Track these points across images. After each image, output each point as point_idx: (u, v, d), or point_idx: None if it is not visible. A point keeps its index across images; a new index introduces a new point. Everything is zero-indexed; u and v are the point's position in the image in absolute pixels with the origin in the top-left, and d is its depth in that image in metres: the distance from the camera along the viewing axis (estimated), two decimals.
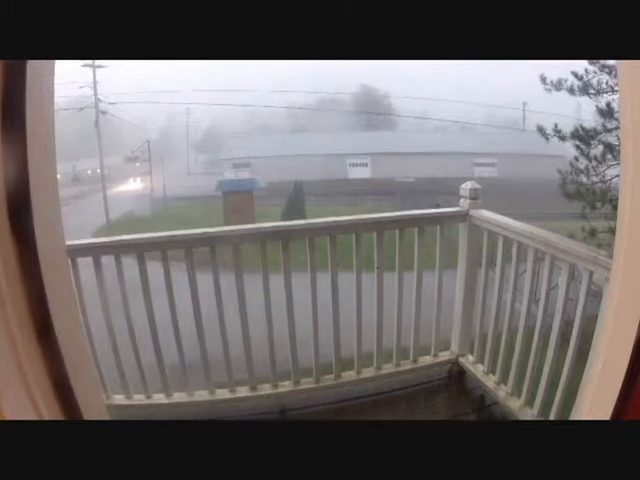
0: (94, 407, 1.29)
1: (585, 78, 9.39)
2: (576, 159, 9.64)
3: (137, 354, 3.33)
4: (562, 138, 9.79)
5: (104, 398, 3.27)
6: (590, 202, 9.10)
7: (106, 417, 1.41)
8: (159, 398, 3.46)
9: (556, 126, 9.87)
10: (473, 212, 3.51)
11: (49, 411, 1.12)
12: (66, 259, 1.34)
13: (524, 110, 21.76)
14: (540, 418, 3.05)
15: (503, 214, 3.41)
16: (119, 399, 3.42)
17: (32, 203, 1.06)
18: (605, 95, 9.28)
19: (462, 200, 3.57)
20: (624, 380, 1.14)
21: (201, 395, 3.49)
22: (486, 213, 3.45)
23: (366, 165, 23.48)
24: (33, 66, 1.04)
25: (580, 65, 9.40)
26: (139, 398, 3.45)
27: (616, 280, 1.23)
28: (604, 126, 9.24)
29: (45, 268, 1.10)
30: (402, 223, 3.50)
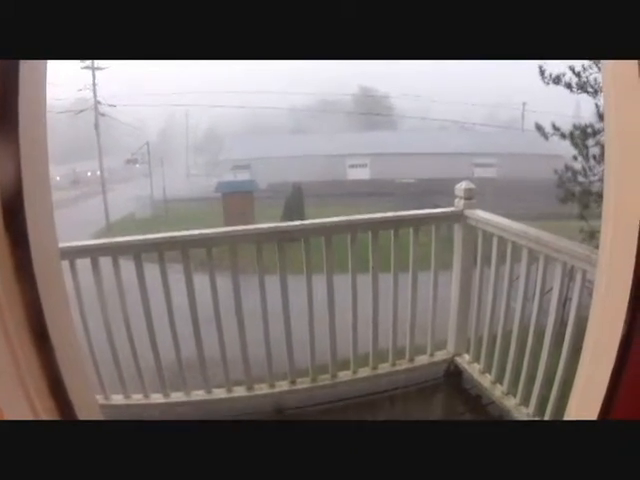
0: (87, 406, 1.30)
1: (583, 75, 9.34)
2: (575, 158, 9.60)
3: (135, 354, 3.34)
4: (562, 135, 9.75)
5: (98, 398, 3.29)
6: (585, 203, 9.07)
7: (99, 416, 1.42)
8: (157, 398, 3.48)
9: (554, 125, 9.83)
10: (468, 212, 3.52)
11: (45, 411, 1.14)
12: (59, 261, 1.35)
13: (523, 110, 21.77)
14: (536, 417, 3.06)
15: (502, 214, 3.42)
16: (117, 399, 3.44)
17: (25, 205, 1.08)
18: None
19: (457, 200, 3.58)
20: (609, 381, 1.15)
21: (198, 395, 3.51)
22: (481, 213, 3.47)
23: (365, 166, 23.44)
24: (26, 67, 1.05)
25: (578, 62, 9.36)
26: (137, 398, 3.47)
27: (601, 281, 1.25)
28: (603, 126, 9.17)
29: (38, 270, 1.11)
30: (397, 223, 3.51)
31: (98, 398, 3.34)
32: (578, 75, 9.39)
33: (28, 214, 1.08)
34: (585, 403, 1.26)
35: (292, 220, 4.81)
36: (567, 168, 9.59)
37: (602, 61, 1.20)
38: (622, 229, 1.17)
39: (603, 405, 1.17)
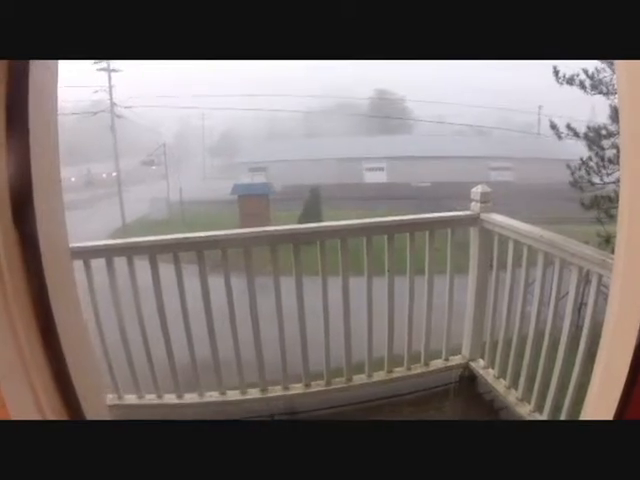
0: (95, 404, 1.31)
1: (596, 77, 9.29)
2: (590, 159, 9.55)
3: (149, 355, 3.35)
4: (576, 135, 9.70)
5: (111, 398, 3.32)
6: (605, 206, 8.98)
7: (106, 414, 1.42)
8: (170, 398, 3.49)
9: (569, 125, 9.79)
10: (484, 216, 3.50)
11: (52, 410, 1.14)
12: (69, 258, 1.35)
13: (539, 114, 21.63)
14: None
15: (518, 218, 3.39)
16: (131, 399, 3.45)
17: (35, 202, 1.08)
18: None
19: (473, 204, 3.56)
20: (626, 381, 1.14)
21: (212, 396, 3.51)
22: (496, 217, 3.45)
23: (382, 170, 23.41)
24: (36, 68, 1.06)
25: (591, 64, 9.31)
26: (150, 398, 3.48)
27: (617, 282, 1.24)
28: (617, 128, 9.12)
29: (47, 268, 1.12)
30: (413, 227, 3.50)
31: (111, 397, 3.36)
32: (591, 77, 9.34)
33: (38, 212, 1.09)
34: (601, 403, 1.25)
35: (309, 222, 4.79)
36: (583, 162, 9.53)
37: (616, 61, 1.19)
38: (638, 232, 1.15)
39: (619, 405, 1.16)
